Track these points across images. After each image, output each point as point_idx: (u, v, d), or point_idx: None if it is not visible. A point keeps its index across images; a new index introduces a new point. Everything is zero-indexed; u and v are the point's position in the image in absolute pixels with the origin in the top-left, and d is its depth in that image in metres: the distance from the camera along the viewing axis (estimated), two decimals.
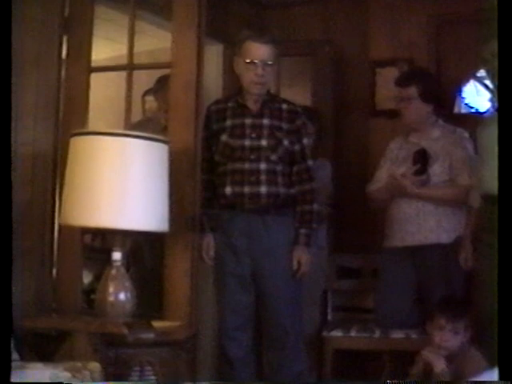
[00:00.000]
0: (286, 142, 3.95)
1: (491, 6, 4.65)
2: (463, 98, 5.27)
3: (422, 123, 4.46)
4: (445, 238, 4.27)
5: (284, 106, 4.02)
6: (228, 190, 3.91)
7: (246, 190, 3.88)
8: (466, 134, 4.44)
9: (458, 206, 4.30)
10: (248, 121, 3.96)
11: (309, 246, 4.00)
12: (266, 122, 3.95)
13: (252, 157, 3.90)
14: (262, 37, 3.94)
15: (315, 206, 4.02)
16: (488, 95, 5.07)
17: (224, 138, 3.95)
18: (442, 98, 4.57)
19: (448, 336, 3.57)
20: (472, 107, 5.22)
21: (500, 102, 2.93)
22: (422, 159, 4.30)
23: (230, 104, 4.03)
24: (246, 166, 3.90)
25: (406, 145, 4.49)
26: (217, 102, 4.15)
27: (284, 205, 3.96)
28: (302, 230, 3.98)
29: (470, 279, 4.12)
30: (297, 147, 4.00)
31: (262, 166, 3.90)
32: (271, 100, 4.04)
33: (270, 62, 3.91)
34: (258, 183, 3.88)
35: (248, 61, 3.89)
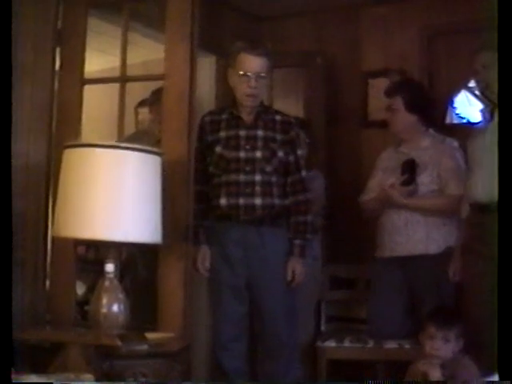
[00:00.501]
0: (280, 153, 3.96)
1: (483, 16, 4.71)
2: (455, 108, 5.29)
3: (410, 133, 4.47)
4: (434, 248, 4.28)
5: (277, 118, 4.03)
6: (223, 201, 3.89)
7: (241, 201, 3.88)
8: (456, 144, 4.45)
9: (448, 216, 4.30)
10: (242, 132, 3.95)
11: (303, 257, 4.00)
12: (260, 133, 3.96)
13: (247, 168, 3.90)
14: (255, 49, 3.94)
15: (309, 217, 4.04)
16: (480, 106, 5.10)
17: (218, 149, 3.94)
18: (429, 108, 4.58)
19: (439, 344, 3.57)
20: (463, 118, 5.25)
21: (500, 112, 2.94)
22: (410, 169, 4.31)
23: (224, 115, 4.02)
24: (241, 177, 3.89)
25: (396, 155, 4.50)
26: (210, 112, 4.15)
27: (279, 216, 3.97)
28: (297, 241, 3.99)
29: (460, 288, 4.12)
30: (291, 158, 4.01)
31: (257, 177, 3.90)
32: (265, 111, 4.04)
33: (263, 74, 3.91)
34: (252, 195, 3.88)
35: (241, 73, 3.89)
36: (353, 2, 5.44)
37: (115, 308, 3.22)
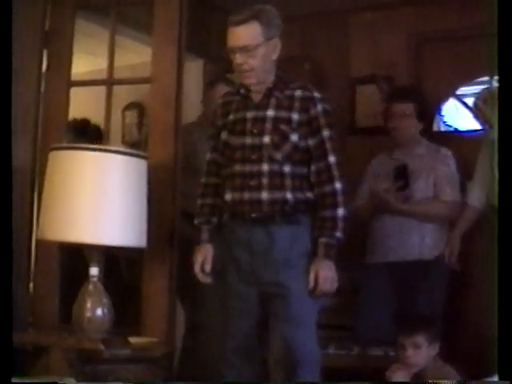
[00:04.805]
0: (293, 137, 3.28)
1: (471, 23, 4.73)
2: (442, 115, 5.31)
3: (411, 140, 4.48)
4: (427, 254, 4.29)
5: (297, 93, 3.33)
6: (227, 196, 3.34)
7: (246, 196, 3.29)
8: (450, 153, 4.47)
9: (442, 222, 4.33)
10: (250, 114, 3.34)
11: (330, 259, 3.27)
12: (270, 113, 3.31)
13: (253, 157, 3.29)
14: (238, 16, 3.27)
15: (339, 212, 3.27)
16: (467, 114, 5.12)
17: (224, 135, 3.39)
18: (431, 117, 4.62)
19: (410, 352, 3.57)
20: (451, 125, 5.26)
21: (500, 121, 2.95)
22: (403, 174, 4.32)
23: (237, 96, 3.44)
24: (247, 168, 3.29)
25: (390, 161, 4.51)
26: (226, 93, 3.58)
27: (296, 212, 3.30)
28: (322, 239, 3.27)
29: (453, 295, 4.13)
30: (311, 142, 3.31)
31: (264, 167, 3.27)
32: (280, 87, 3.36)
33: (252, 44, 3.25)
34: (259, 188, 3.27)
35: (228, 49, 3.31)
36: (341, 8, 5.44)
37: (99, 312, 3.21)
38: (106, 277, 3.47)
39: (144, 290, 3.71)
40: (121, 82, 4.24)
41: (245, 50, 3.25)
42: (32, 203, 3.77)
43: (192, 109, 4.89)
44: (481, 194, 4.00)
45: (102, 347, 3.09)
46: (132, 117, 5.56)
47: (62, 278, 3.87)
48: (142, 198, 3.29)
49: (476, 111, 3.92)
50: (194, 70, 5.29)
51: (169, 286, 3.69)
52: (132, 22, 4.52)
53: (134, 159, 3.28)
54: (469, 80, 5.12)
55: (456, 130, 5.22)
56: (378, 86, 5.26)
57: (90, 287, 3.24)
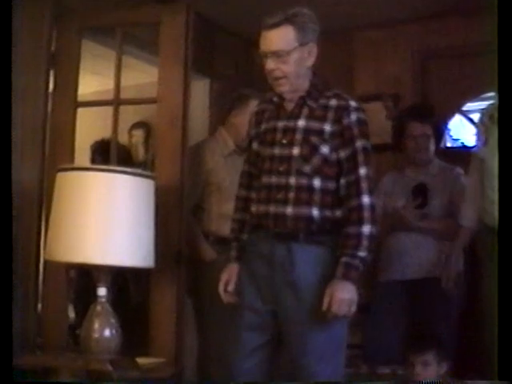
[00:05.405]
0: (324, 149, 3.06)
1: (476, 41, 4.73)
2: (449, 131, 5.31)
3: (427, 159, 4.47)
4: (458, 269, 4.25)
5: (332, 103, 3.11)
6: (253, 208, 3.18)
7: (271, 209, 3.08)
8: (462, 171, 4.44)
9: None
10: (280, 124, 3.15)
11: (349, 280, 2.98)
12: (301, 123, 3.10)
13: (281, 169, 3.08)
14: (269, 19, 3.07)
15: (365, 229, 3.00)
16: (474, 130, 5.12)
17: (255, 145, 3.23)
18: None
19: (418, 370, 3.57)
20: (458, 141, 5.26)
21: (500, 136, 2.95)
22: (422, 193, 4.32)
23: (270, 105, 3.25)
24: (274, 180, 3.10)
25: (402, 179, 4.51)
26: (262, 101, 3.37)
27: (321, 231, 3.07)
28: (343, 259, 2.99)
29: (466, 313, 4.11)
30: (343, 154, 3.07)
31: (292, 180, 3.06)
32: (315, 96, 3.15)
33: (285, 49, 3.05)
34: (285, 202, 3.06)
35: (260, 54, 3.11)
36: (346, 25, 5.45)
37: (107, 333, 3.20)
38: (114, 297, 3.46)
39: (152, 311, 3.71)
40: (127, 102, 4.25)
41: (277, 55, 3.05)
42: (40, 224, 3.77)
43: (198, 128, 4.90)
44: (473, 214, 3.95)
45: (110, 368, 3.07)
46: (139, 136, 5.55)
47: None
48: (150, 218, 3.29)
49: (481, 127, 3.89)
50: (201, 90, 5.29)
51: (177, 306, 3.68)
52: (138, 42, 4.53)
53: (141, 179, 3.27)
54: (474, 96, 5.13)
55: (463, 145, 5.21)
56: (384, 104, 5.26)
57: (98, 308, 3.23)
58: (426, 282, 4.26)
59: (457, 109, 5.30)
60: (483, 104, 5.06)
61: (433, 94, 5.28)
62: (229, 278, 3.19)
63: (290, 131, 3.10)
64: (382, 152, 4.69)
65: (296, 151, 3.06)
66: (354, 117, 3.08)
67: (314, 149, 3.06)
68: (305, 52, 3.10)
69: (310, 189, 3.05)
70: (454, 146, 5.32)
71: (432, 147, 4.45)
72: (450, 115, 5.30)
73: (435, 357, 3.57)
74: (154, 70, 4.00)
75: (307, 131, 3.08)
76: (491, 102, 4.00)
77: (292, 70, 3.08)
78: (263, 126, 3.20)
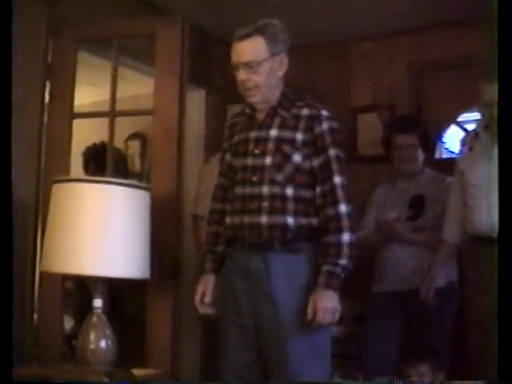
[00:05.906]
0: (296, 158, 3.08)
1: (471, 52, 4.75)
2: (444, 143, 5.32)
3: (416, 170, 4.47)
4: (439, 282, 4.26)
5: (304, 112, 3.14)
6: (228, 220, 3.19)
7: (246, 219, 3.09)
8: None
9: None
10: (253, 134, 3.17)
11: (332, 289, 3.00)
12: (273, 133, 3.13)
13: (254, 179, 3.10)
14: (240, 31, 3.11)
15: (344, 237, 3.03)
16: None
17: (228, 157, 3.27)
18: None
19: (414, 380, 3.57)
20: (453, 152, 5.27)
21: (500, 141, 2.95)
22: (417, 205, 4.32)
23: (242, 116, 3.29)
24: (247, 190, 3.11)
25: (394, 190, 4.51)
26: (235, 114, 3.40)
27: (297, 239, 3.08)
28: (325, 267, 3.01)
29: (461, 323, 4.11)
30: (316, 162, 3.10)
31: (265, 189, 3.08)
32: (287, 105, 3.18)
33: (256, 60, 3.08)
34: (259, 211, 3.07)
35: (232, 66, 3.14)
36: (342, 37, 5.47)
37: (103, 344, 3.18)
38: (110, 308, 3.46)
39: (148, 322, 3.71)
40: (123, 113, 4.26)
41: (248, 66, 3.08)
42: (35, 235, 3.77)
43: (194, 139, 4.91)
44: (456, 228, 3.95)
45: (105, 380, 3.07)
46: (135, 147, 5.56)
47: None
48: (145, 230, 3.28)
49: (467, 138, 3.91)
50: (196, 101, 5.30)
51: (172, 317, 3.68)
52: (134, 54, 4.53)
53: (137, 191, 3.27)
54: (469, 107, 5.14)
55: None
56: (379, 115, 5.27)
57: (94, 319, 3.22)
58: (419, 292, 4.27)
59: (452, 120, 5.31)
60: (478, 115, 5.08)
61: (428, 105, 5.29)
62: (205, 290, 3.20)
63: (262, 141, 3.14)
64: (377, 163, 4.70)
65: (268, 160, 3.10)
66: (325, 126, 3.11)
67: (287, 157, 3.08)
68: (276, 62, 3.14)
69: (284, 197, 3.07)
70: (450, 157, 5.31)
71: (420, 157, 4.45)
72: (446, 126, 5.31)
73: (430, 368, 3.57)
74: (149, 81, 4.00)
75: (279, 140, 3.11)
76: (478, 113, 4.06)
77: (263, 80, 3.11)
78: (236, 138, 3.24)
